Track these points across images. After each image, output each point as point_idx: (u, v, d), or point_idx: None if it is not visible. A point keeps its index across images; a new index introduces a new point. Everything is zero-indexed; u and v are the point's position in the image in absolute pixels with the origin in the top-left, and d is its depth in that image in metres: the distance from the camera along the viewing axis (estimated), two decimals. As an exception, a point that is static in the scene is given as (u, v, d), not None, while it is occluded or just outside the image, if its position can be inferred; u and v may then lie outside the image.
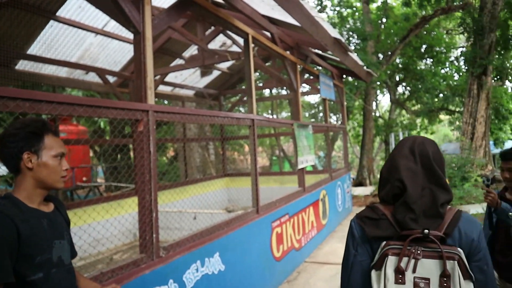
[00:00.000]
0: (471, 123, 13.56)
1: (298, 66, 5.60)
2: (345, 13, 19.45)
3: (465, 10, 16.08)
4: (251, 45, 4.02)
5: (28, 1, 4.61)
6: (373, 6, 20.36)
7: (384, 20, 18.82)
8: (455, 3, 16.13)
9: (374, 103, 22.40)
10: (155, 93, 7.45)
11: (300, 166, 5.26)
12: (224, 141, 8.69)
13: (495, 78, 15.24)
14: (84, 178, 9.68)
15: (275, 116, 22.62)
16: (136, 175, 2.38)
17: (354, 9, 19.53)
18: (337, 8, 19.98)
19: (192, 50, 7.29)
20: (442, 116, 24.49)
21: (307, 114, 23.39)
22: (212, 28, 6.04)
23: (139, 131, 2.34)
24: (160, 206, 5.59)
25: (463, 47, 22.23)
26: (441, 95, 19.95)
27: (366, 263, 1.33)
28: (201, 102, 9.57)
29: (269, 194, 5.72)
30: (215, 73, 8.84)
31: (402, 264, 1.20)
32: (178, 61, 7.43)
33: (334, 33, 5.00)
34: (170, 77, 7.79)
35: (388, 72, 19.66)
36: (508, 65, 15.40)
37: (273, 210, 4.22)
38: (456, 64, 21.46)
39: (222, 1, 4.01)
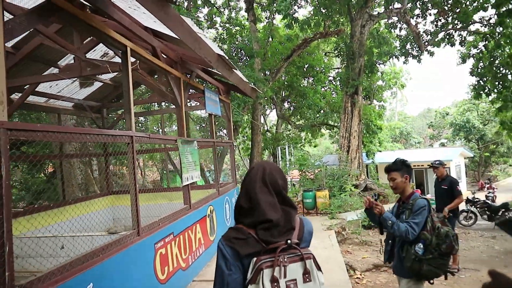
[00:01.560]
0: (346, 137, 15.00)
1: (183, 81, 5.54)
2: (233, 30, 20.06)
3: (339, 36, 17.92)
4: (130, 58, 3.84)
5: None
6: (260, 25, 21.42)
7: (270, 39, 19.88)
8: (331, 29, 17.88)
9: (262, 118, 23.43)
10: (25, 104, 6.69)
11: (185, 183, 5.17)
12: (107, 157, 8.12)
13: (365, 98, 17.19)
14: None
15: (166, 130, 22.05)
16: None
17: (243, 27, 20.26)
18: (227, 25, 20.50)
19: (70, 59, 6.71)
20: (324, 130, 26.75)
21: (198, 128, 23.35)
22: (91, 36, 5.65)
23: (-13, 154, 2.03)
24: (33, 232, 4.99)
25: (339, 68, 24.74)
26: (322, 111, 21.81)
27: (240, 279, 1.51)
28: (81, 115, 8.85)
29: (157, 211, 5.50)
30: (97, 84, 8.28)
31: (276, 274, 1.44)
32: (53, 70, 6.76)
33: (217, 50, 5.07)
34: (43, 87, 7.05)
35: (275, 88, 20.82)
36: (373, 87, 17.52)
37: (156, 231, 4.04)
38: (334, 83, 23.73)
39: (93, 10, 3.76)
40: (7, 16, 3.77)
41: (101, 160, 12.40)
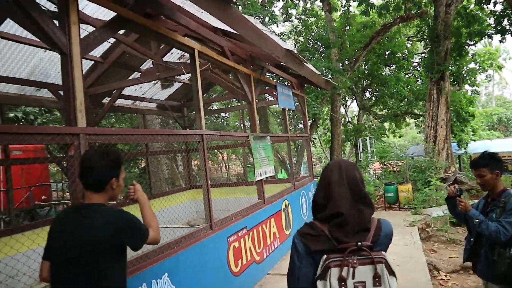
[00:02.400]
0: (433, 126, 13.97)
1: (253, 78, 5.61)
2: (309, 22, 19.75)
3: (421, 18, 16.68)
4: (198, 60, 3.99)
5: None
6: (336, 14, 20.83)
7: (347, 28, 19.24)
8: (412, 12, 16.71)
9: (342, 109, 22.81)
10: (114, 107, 7.34)
11: (258, 178, 5.25)
12: (188, 153, 8.58)
13: (453, 83, 15.80)
14: (43, 197, 9.34)
15: (247, 124, 22.60)
16: (72, 202, 2.29)
17: (318, 18, 19.85)
18: (302, 17, 20.25)
19: (149, 64, 7.20)
20: (409, 120, 25.21)
21: (278, 121, 23.51)
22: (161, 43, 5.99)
23: (70, 156, 2.27)
24: None
25: (423, 53, 23.05)
26: (405, 100, 20.53)
27: (310, 274, 1.56)
28: (164, 114, 9.45)
29: (234, 205, 5.68)
30: (177, 85, 8.76)
31: (343, 273, 1.46)
32: (136, 75, 7.32)
33: (285, 45, 5.05)
34: (129, 91, 7.66)
35: (355, 78, 20.11)
36: (463, 71, 16.01)
37: (229, 225, 4.18)
38: (418, 69, 22.18)
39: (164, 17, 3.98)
40: (84, 27, 4.16)
41: (184, 156, 13.12)
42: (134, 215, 1.95)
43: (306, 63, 6.02)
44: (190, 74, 8.34)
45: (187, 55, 7.32)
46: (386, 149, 13.22)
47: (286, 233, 6.14)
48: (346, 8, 19.32)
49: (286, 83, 8.54)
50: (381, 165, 12.71)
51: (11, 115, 6.61)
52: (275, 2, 19.62)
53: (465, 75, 16.49)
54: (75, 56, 2.34)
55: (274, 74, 7.83)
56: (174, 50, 7.00)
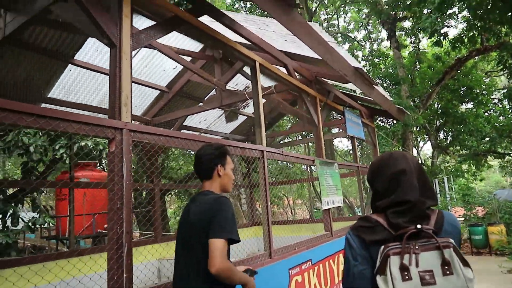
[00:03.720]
0: (524, 164, 12.42)
1: (319, 100, 5.27)
2: (376, 61, 19.28)
3: (502, 48, 15.46)
4: (259, 73, 3.77)
5: (47, 46, 4.70)
6: (405, 53, 20.17)
7: (417, 65, 18.48)
8: (490, 44, 15.61)
9: (414, 150, 21.44)
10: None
11: (325, 207, 4.76)
12: (252, 188, 8.32)
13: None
14: (105, 225, 9.49)
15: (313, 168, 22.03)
16: (108, 204, 2.06)
17: (386, 56, 19.34)
18: (369, 58, 19.88)
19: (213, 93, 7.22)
20: (492, 161, 22.96)
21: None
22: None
23: (111, 152, 2.06)
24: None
25: (504, 88, 21.28)
26: (486, 138, 18.78)
27: (367, 272, 1.38)
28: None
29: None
30: (241, 118, 8.70)
31: (405, 261, 1.27)
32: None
33: (354, 62, 4.69)
34: (194, 123, 7.71)
35: (428, 117, 18.92)
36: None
37: (290, 255, 3.70)
38: (499, 105, 20.43)
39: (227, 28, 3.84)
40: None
41: (248, 192, 12.93)
42: (232, 209, 2.00)
43: (377, 85, 5.57)
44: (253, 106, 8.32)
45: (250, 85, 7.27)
46: (469, 186, 11.85)
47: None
48: (415, 44, 18.63)
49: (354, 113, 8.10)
50: (464, 206, 11.33)
51: (82, 143, 6.86)
52: (340, 44, 19.55)
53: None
54: (125, 48, 2.20)
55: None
56: (238, 80, 6.98)
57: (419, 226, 1.32)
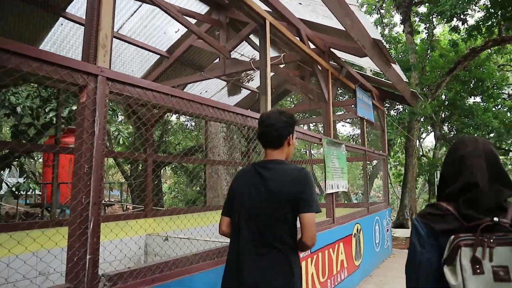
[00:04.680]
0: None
1: (331, 75, 4.80)
2: (387, 46, 18.61)
3: (519, 41, 14.84)
4: (268, 33, 3.30)
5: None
6: (417, 40, 19.48)
7: (429, 53, 17.86)
8: (508, 35, 14.99)
9: (417, 142, 21.01)
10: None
11: (329, 191, 4.35)
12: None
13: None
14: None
15: (313, 152, 21.53)
16: (74, 167, 1.64)
17: (398, 41, 18.67)
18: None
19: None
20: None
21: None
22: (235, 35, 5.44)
23: (81, 103, 1.62)
24: (174, 231, 4.95)
25: (515, 84, 20.75)
26: (493, 133, 18.33)
27: (434, 260, 1.32)
28: (227, 123, 8.94)
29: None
30: (244, 93, 8.24)
31: (477, 254, 1.20)
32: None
33: (374, 32, 4.20)
34: (194, 93, 7.25)
35: (435, 108, 18.43)
36: None
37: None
38: (509, 101, 19.92)
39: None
40: None
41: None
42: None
43: (395, 63, 5.09)
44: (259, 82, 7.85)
45: (257, 56, 6.77)
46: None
47: (356, 264, 5.08)
48: (429, 30, 17.96)
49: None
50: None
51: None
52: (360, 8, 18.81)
53: None
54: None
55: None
56: (244, 51, 6.49)
57: (496, 219, 1.23)
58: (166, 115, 7.83)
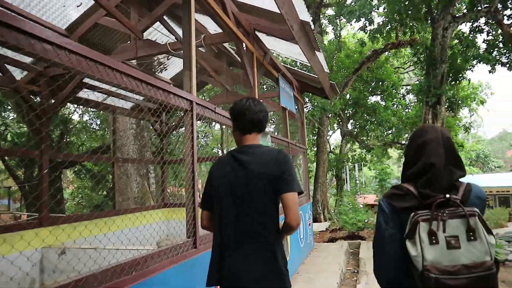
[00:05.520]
0: (428, 153, 13.14)
1: (256, 59, 4.45)
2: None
3: (412, 47, 16.31)
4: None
5: None
6: (325, 41, 20.34)
7: (336, 52, 18.76)
8: (404, 39, 16.38)
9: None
10: (76, 98, 6.00)
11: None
12: (164, 164, 7.31)
13: (447, 109, 15.22)
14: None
15: (225, 151, 21.17)
16: None
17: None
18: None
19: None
20: (392, 152, 24.59)
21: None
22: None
23: None
24: (77, 240, 4.14)
25: (408, 85, 22.87)
26: (393, 129, 19.92)
27: (397, 236, 1.47)
28: (138, 117, 8.15)
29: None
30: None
31: (433, 227, 1.37)
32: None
33: (304, 14, 3.93)
34: (100, 82, 6.36)
35: (341, 106, 19.42)
36: (458, 96, 15.55)
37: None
38: (404, 100, 21.88)
39: None
40: None
41: (158, 173, 11.88)
42: None
43: (319, 51, 4.92)
44: (174, 73, 7.23)
45: (172, 39, 6.16)
46: (387, 171, 12.14)
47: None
48: (337, 31, 18.86)
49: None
50: (377, 195, 11.54)
51: None
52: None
53: (459, 101, 16.00)
54: None
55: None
56: (157, 36, 5.86)
57: (447, 195, 1.39)
58: (64, 107, 6.77)
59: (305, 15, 3.94)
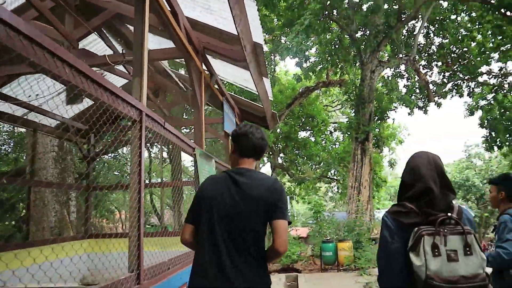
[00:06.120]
0: (356, 187, 13.66)
1: (204, 79, 4.22)
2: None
3: (341, 87, 17.36)
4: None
5: None
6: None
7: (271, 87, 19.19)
8: (335, 78, 17.39)
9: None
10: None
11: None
12: (89, 191, 6.60)
13: (374, 146, 16.14)
14: None
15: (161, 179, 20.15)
16: None
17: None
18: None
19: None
20: (323, 186, 25.36)
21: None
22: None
23: None
24: None
25: (335, 122, 24.11)
26: (322, 163, 20.62)
27: (402, 249, 1.63)
28: (63, 138, 7.37)
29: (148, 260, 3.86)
30: (89, 102, 6.92)
31: (436, 241, 1.54)
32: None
33: (258, 35, 3.82)
34: (20, 93, 5.63)
35: (273, 139, 19.77)
36: (383, 134, 16.64)
37: (164, 278, 2.47)
38: (332, 136, 22.95)
39: None
40: None
41: (80, 201, 10.89)
42: None
43: (267, 77, 4.84)
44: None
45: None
46: (321, 203, 12.28)
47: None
48: (272, 67, 19.43)
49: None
50: (316, 223, 11.54)
51: None
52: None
53: (384, 139, 17.08)
54: None
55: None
56: (98, 47, 5.42)
57: (449, 214, 1.60)
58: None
59: (258, 37, 3.84)
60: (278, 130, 20.47)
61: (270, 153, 22.72)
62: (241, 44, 3.54)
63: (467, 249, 1.53)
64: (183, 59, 4.03)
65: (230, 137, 5.86)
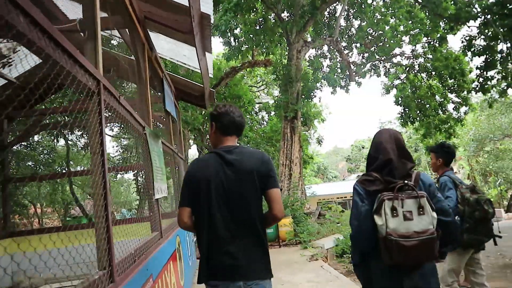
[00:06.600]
0: (287, 164, 13.96)
1: (147, 51, 3.83)
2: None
3: (266, 67, 17.47)
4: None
5: None
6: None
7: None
8: (260, 59, 17.44)
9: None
10: None
11: (157, 196, 3.35)
12: (6, 182, 5.78)
13: (302, 124, 16.57)
14: None
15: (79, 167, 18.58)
16: None
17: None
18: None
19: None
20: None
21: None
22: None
23: None
24: None
25: (261, 103, 24.37)
26: (248, 144, 20.76)
27: (369, 211, 1.96)
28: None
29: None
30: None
31: (394, 204, 1.87)
32: None
33: (206, 5, 3.54)
34: None
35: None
36: (310, 112, 17.15)
37: (135, 272, 2.18)
38: (258, 116, 23.18)
39: None
40: None
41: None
42: None
43: (210, 52, 4.56)
44: (21, 71, 5.93)
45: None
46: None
47: (181, 284, 4.18)
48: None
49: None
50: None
51: None
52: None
53: (311, 117, 17.61)
54: None
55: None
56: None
57: (406, 181, 1.92)
58: None
59: (207, 7, 3.55)
60: (204, 112, 20.10)
61: (197, 134, 22.29)
62: (190, 13, 3.23)
63: (420, 209, 1.85)
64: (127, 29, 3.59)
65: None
